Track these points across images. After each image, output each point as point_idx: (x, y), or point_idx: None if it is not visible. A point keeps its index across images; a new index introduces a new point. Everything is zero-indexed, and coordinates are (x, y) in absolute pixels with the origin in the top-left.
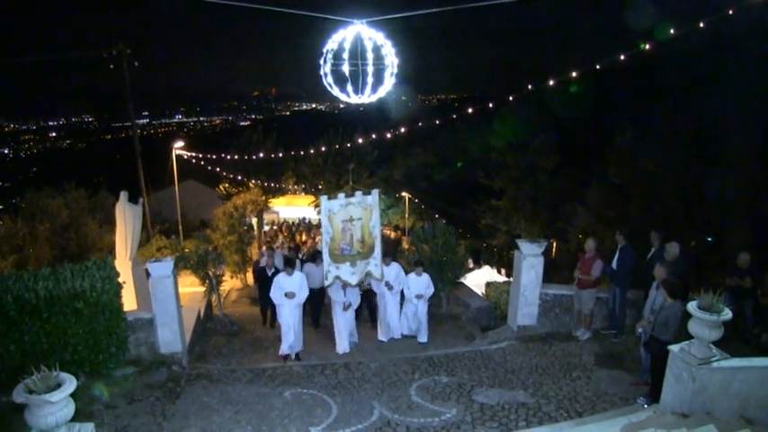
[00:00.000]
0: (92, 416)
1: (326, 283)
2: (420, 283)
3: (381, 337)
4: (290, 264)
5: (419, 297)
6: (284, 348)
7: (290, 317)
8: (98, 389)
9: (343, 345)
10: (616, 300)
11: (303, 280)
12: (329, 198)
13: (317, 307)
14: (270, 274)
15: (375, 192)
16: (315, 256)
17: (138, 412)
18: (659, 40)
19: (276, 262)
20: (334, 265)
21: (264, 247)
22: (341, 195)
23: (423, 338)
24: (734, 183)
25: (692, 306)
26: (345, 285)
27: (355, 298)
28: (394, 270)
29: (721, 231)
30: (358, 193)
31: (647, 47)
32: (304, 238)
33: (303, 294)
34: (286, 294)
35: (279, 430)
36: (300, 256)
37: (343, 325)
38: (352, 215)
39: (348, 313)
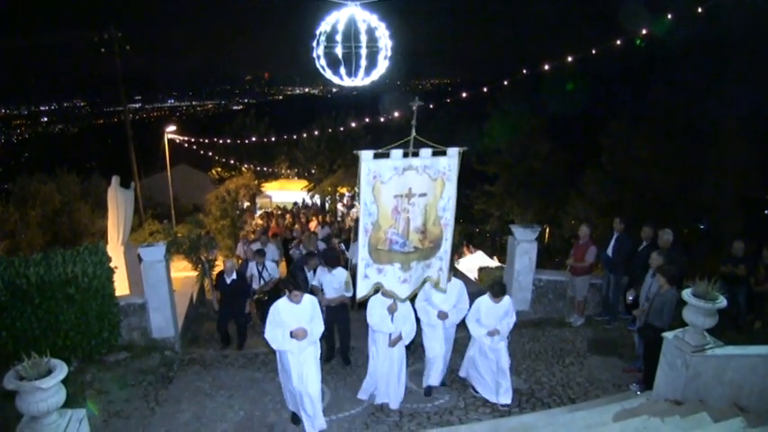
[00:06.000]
0: (84, 402)
1: (361, 293)
2: (495, 312)
3: (428, 381)
4: (294, 285)
5: (494, 334)
6: (311, 426)
7: (301, 369)
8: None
9: (374, 396)
10: (610, 286)
11: (315, 306)
12: (375, 156)
13: (339, 339)
14: (229, 281)
15: (455, 150)
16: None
17: (130, 397)
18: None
19: (269, 256)
20: (375, 266)
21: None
22: (396, 153)
23: (506, 398)
24: (727, 170)
25: (686, 293)
26: (392, 308)
27: (410, 328)
28: (455, 290)
29: (714, 219)
30: (425, 151)
31: (644, 32)
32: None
33: (318, 328)
34: (293, 334)
35: (272, 415)
36: (292, 248)
37: (386, 369)
38: (412, 188)
39: (395, 352)
